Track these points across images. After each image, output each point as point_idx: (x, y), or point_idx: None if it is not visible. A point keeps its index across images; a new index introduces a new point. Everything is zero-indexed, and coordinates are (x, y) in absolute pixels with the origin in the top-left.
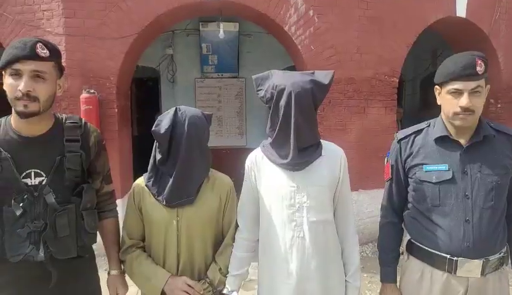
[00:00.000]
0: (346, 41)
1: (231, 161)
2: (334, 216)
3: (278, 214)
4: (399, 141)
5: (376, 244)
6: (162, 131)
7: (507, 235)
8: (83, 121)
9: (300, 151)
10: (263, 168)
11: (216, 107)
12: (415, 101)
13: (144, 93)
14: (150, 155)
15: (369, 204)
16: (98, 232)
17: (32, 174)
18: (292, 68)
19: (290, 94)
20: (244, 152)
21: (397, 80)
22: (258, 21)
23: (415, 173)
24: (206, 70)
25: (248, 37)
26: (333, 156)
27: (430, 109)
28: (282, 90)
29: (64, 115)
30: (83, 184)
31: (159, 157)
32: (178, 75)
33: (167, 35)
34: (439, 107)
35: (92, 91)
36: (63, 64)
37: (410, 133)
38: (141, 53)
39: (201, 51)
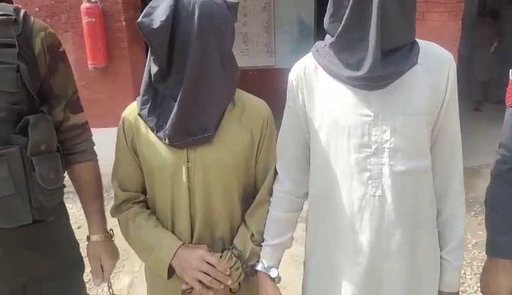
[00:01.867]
0: None
1: (258, 85)
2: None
3: (341, 160)
4: None
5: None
6: (156, 25)
7: None
8: (21, 13)
9: (384, 56)
10: (317, 85)
11: (241, 22)
12: (473, 8)
13: None
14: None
15: None
16: (70, 184)
17: None
18: None
19: None
20: (273, 73)
21: None
22: None
23: None
24: None
25: None
26: (435, 64)
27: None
28: None
29: None
30: (30, 115)
31: (154, 69)
32: None
33: None
34: None
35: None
36: None
37: None
38: None
39: None
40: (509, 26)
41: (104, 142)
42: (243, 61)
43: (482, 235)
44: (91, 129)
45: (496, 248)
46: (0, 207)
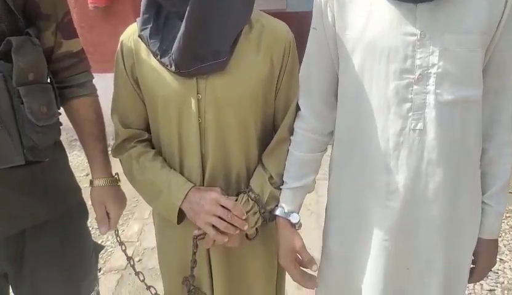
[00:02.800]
0: None
1: None
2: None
3: (377, 89)
4: None
5: None
6: None
7: None
8: None
9: None
10: (350, 0)
11: None
12: None
13: None
14: None
15: None
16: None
17: None
18: None
19: None
20: (284, 17)
21: None
22: None
23: None
24: None
25: None
26: None
27: None
28: None
29: None
30: (12, 36)
31: None
32: None
33: None
34: None
35: None
36: None
37: None
38: None
39: None
40: None
41: (107, 88)
42: None
43: None
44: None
45: None
46: None
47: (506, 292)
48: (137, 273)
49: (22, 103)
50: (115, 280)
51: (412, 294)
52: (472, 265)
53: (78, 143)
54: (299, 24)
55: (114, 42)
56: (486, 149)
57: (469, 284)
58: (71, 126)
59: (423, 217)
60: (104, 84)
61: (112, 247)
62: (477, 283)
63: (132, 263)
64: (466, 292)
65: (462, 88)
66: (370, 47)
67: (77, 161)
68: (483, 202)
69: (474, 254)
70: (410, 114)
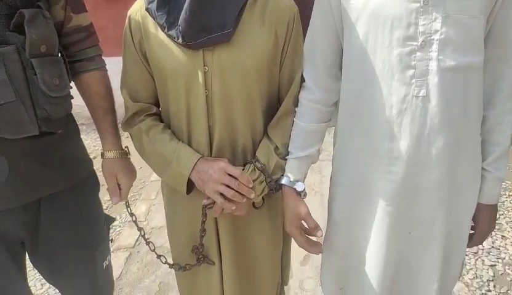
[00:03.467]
0: None
1: None
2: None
3: (381, 57)
4: None
5: None
6: None
7: None
8: None
9: None
10: None
11: None
12: None
13: None
14: None
15: None
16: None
17: None
18: None
19: None
20: None
21: None
22: None
23: None
24: None
25: None
26: None
27: None
28: None
29: None
30: (25, 9)
31: None
32: None
33: None
34: None
35: None
36: None
37: None
38: None
39: None
40: None
41: (112, 73)
42: None
43: None
44: None
45: None
46: (1, 115)
47: (507, 267)
48: (148, 243)
49: (35, 74)
50: (124, 258)
51: (413, 258)
52: (471, 231)
53: (84, 127)
54: None
55: (118, 26)
56: (487, 116)
57: (471, 260)
58: (77, 110)
59: (424, 182)
60: (109, 68)
61: (120, 226)
62: (479, 259)
63: (142, 233)
64: (468, 267)
65: (464, 54)
66: (374, 15)
67: (84, 144)
68: (483, 168)
69: (473, 219)
70: (413, 81)
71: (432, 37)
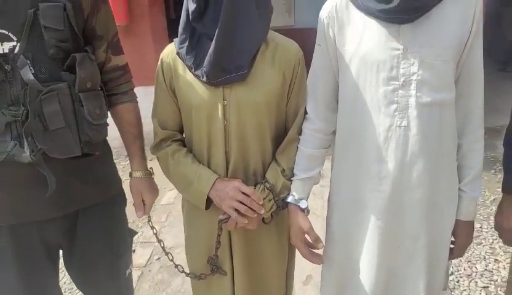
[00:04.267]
0: None
1: None
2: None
3: (369, 93)
4: None
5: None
6: None
7: None
8: None
9: None
10: (348, 23)
11: None
12: None
13: None
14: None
15: None
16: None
17: None
18: None
19: None
20: (293, 33)
21: None
22: None
23: None
24: None
25: None
26: (463, 0)
27: None
28: None
29: None
30: (76, 53)
31: (192, 7)
32: None
33: None
34: None
35: None
36: None
37: None
38: None
39: None
40: None
41: None
42: None
43: (500, 192)
44: None
45: (509, 183)
46: (53, 139)
47: (499, 288)
48: (167, 253)
49: (82, 106)
50: (136, 276)
51: (401, 268)
52: (452, 245)
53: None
54: (305, 38)
55: (132, 59)
56: (461, 144)
57: (465, 282)
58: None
59: (408, 200)
60: None
61: (133, 247)
62: (473, 280)
63: (162, 245)
64: (461, 288)
65: (437, 92)
66: (364, 59)
67: None
68: (459, 189)
69: (453, 234)
70: (396, 113)
71: (411, 78)
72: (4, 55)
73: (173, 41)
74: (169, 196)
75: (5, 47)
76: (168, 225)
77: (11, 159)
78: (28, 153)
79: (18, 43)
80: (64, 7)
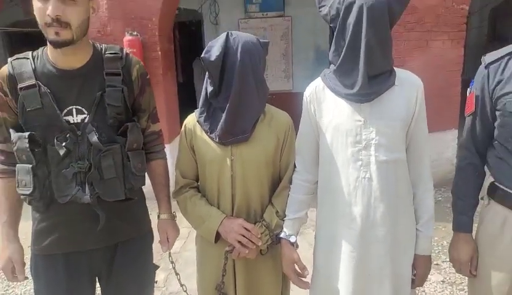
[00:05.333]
0: None
1: (277, 106)
2: (406, 155)
3: (341, 153)
4: (488, 66)
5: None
6: (213, 58)
7: None
8: (124, 52)
9: (370, 79)
10: (324, 100)
11: None
12: (481, 36)
13: (187, 39)
14: (195, 102)
15: (430, 148)
16: (146, 174)
17: (74, 111)
18: None
19: (361, 8)
20: (291, 96)
21: (467, 8)
22: None
23: (505, 104)
24: (250, 9)
25: None
26: (408, 86)
27: (502, 42)
28: (351, 4)
29: (104, 45)
30: (127, 123)
31: (210, 88)
32: (221, 16)
33: None
34: None
35: (135, 33)
36: (103, 5)
37: (502, 55)
38: None
39: None
40: None
41: None
42: None
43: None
44: None
45: (459, 225)
46: (106, 186)
47: None
48: (181, 285)
49: (129, 161)
50: None
51: (372, 293)
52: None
53: None
54: (301, 100)
55: None
56: (415, 193)
57: None
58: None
59: (374, 236)
60: None
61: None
62: None
63: (178, 277)
64: None
65: (392, 153)
66: (336, 128)
67: None
68: (417, 229)
69: (413, 266)
70: (362, 168)
71: (370, 142)
72: (77, 123)
73: (183, 102)
74: (176, 245)
75: (79, 118)
76: (174, 273)
77: (74, 200)
78: (88, 196)
79: (88, 115)
80: (122, 90)
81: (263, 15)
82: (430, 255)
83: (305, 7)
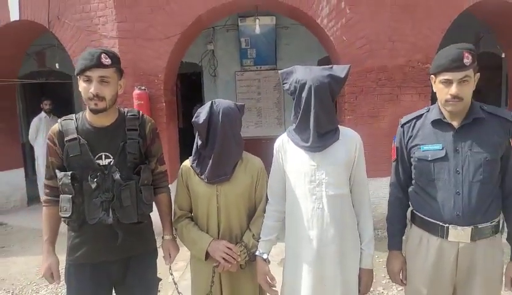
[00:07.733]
0: (378, 30)
1: (270, 150)
2: (351, 191)
3: (301, 189)
4: (403, 126)
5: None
6: (201, 121)
7: (502, 205)
8: (140, 113)
9: (319, 136)
10: (288, 150)
11: (255, 99)
12: None
13: (188, 88)
14: (193, 144)
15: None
16: (153, 204)
17: (103, 156)
18: (327, 58)
19: (310, 87)
20: None
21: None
22: (291, 14)
23: (415, 153)
24: (245, 63)
25: (285, 30)
26: (349, 140)
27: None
28: (304, 84)
29: (126, 109)
30: (141, 165)
31: (199, 142)
32: (219, 69)
33: (208, 32)
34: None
35: (143, 87)
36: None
37: (412, 118)
38: (185, 51)
39: (240, 46)
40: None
41: None
42: (257, 131)
43: None
44: None
45: (390, 245)
46: (124, 211)
47: None
48: (179, 293)
49: (141, 193)
50: None
51: None
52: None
53: None
54: None
55: None
56: (358, 220)
57: None
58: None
59: (327, 253)
60: None
61: None
62: None
63: (176, 286)
64: None
65: (337, 189)
66: (297, 171)
67: None
68: (361, 248)
69: (358, 277)
70: (316, 200)
71: (322, 181)
72: (105, 165)
73: (182, 150)
74: (175, 275)
75: (106, 161)
76: None
77: (100, 222)
78: (111, 219)
79: (113, 159)
80: (138, 142)
81: (257, 68)
82: (372, 269)
83: (294, 62)
